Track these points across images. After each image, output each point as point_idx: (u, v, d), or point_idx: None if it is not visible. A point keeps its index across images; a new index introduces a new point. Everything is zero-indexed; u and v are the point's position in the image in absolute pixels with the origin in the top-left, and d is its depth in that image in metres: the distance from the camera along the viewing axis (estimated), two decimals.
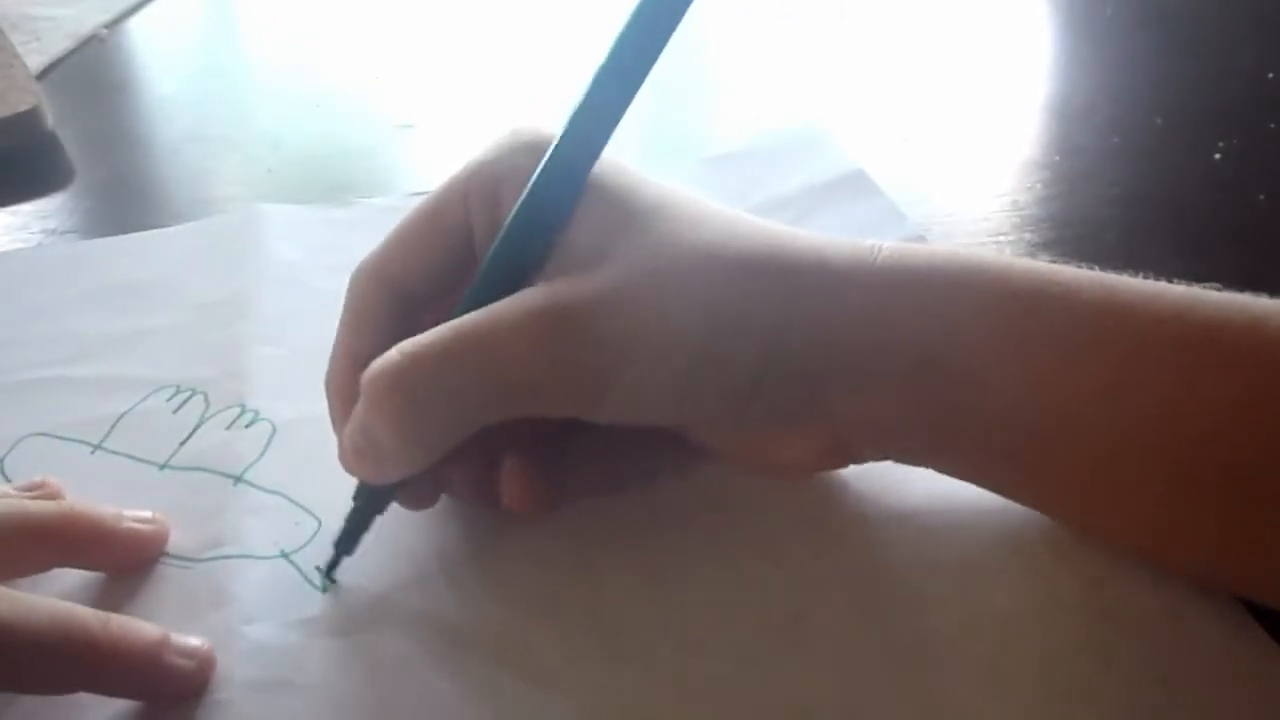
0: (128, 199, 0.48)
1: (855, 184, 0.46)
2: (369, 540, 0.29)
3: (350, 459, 0.28)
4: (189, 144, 0.52)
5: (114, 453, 0.33)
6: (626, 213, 0.28)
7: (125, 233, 0.44)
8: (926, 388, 0.28)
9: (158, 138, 0.53)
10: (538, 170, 0.27)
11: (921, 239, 0.42)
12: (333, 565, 0.29)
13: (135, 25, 0.65)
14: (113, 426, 0.34)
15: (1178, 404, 0.26)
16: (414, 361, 0.26)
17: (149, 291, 0.40)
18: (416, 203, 0.30)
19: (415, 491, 0.29)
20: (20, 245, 0.44)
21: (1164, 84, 0.55)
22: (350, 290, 0.30)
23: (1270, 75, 0.54)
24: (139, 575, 0.29)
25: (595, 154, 0.28)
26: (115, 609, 0.28)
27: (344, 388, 0.29)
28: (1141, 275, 0.28)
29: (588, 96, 0.27)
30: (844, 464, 0.31)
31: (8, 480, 0.32)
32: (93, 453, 0.33)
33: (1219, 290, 0.27)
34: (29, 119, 0.50)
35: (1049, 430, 0.27)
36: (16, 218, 0.46)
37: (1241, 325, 0.26)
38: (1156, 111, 0.52)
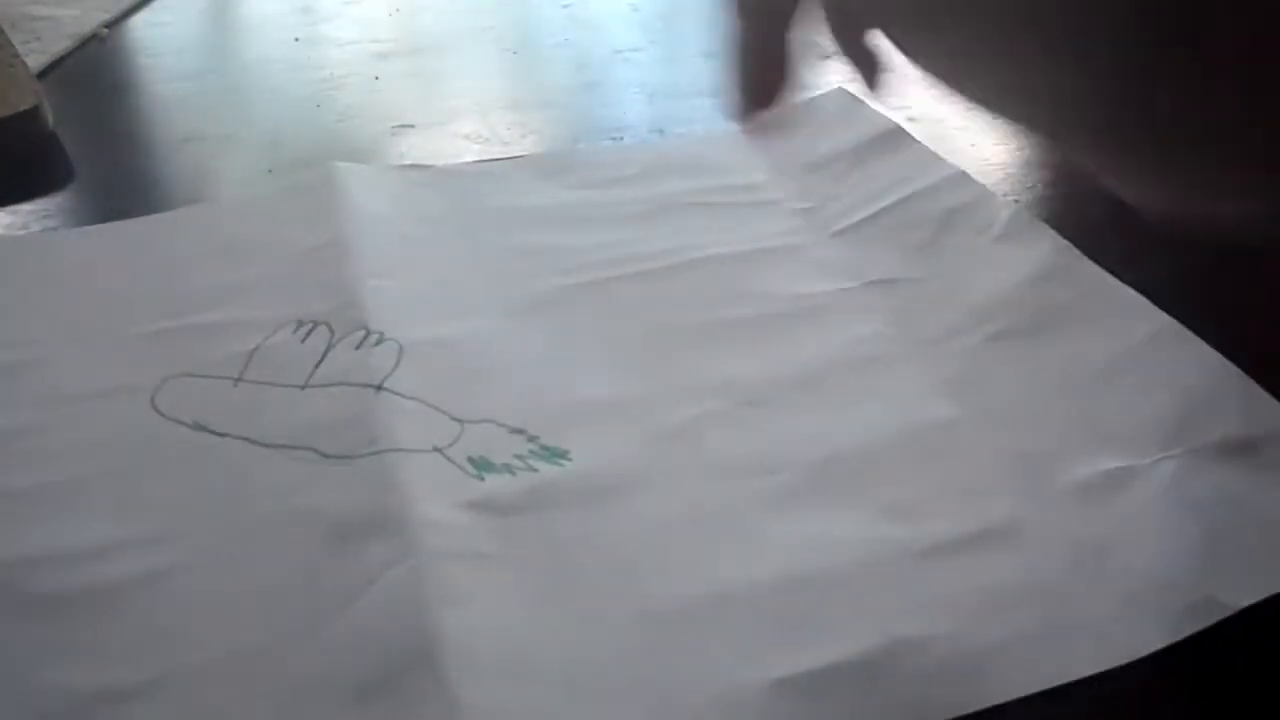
0: (128, 198, 0.48)
1: (896, 138, 0.48)
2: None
3: None
4: (189, 144, 0.52)
5: (255, 382, 0.35)
6: None
7: None
8: None
9: (158, 137, 0.53)
10: None
11: (965, 174, 0.44)
12: None
13: (135, 25, 0.65)
14: (248, 361, 0.35)
15: None
16: None
17: (245, 249, 0.42)
18: None
19: None
20: None
21: None
22: None
23: None
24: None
25: None
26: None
27: None
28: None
29: None
30: None
31: (161, 415, 0.33)
32: (235, 385, 0.35)
33: None
34: (29, 118, 0.50)
35: None
36: (16, 217, 0.46)
37: None
38: None
